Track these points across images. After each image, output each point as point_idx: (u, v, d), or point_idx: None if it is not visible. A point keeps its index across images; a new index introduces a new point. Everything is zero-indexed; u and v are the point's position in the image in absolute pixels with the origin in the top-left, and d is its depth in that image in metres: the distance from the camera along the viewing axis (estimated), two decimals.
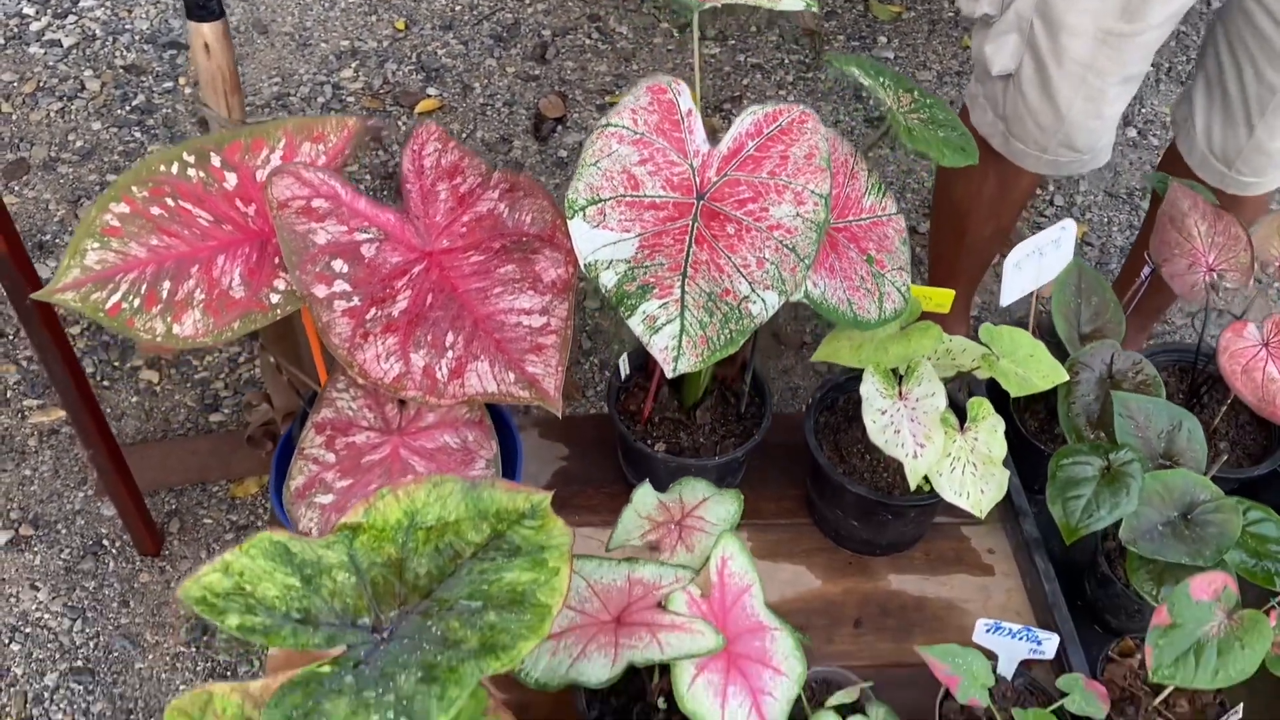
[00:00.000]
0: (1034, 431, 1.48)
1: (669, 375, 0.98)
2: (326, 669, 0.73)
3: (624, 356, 1.46)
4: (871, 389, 1.25)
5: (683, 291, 0.99)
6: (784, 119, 1.05)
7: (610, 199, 0.99)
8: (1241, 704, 1.22)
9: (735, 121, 1.05)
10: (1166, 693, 1.20)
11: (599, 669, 0.97)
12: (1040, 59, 1.52)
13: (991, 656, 1.27)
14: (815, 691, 1.23)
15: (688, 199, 1.03)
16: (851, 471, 1.41)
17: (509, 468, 1.37)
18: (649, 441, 1.41)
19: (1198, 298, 1.38)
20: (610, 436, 1.54)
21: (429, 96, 2.70)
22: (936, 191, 1.89)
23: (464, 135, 2.62)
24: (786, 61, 2.87)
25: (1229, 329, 1.33)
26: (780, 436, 1.48)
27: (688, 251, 1.00)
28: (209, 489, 1.97)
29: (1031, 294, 1.46)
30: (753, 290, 1.00)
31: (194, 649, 1.78)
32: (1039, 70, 1.53)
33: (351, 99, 2.69)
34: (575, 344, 2.22)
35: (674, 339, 0.98)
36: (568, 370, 1.07)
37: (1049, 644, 1.23)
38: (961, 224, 1.81)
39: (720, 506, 1.15)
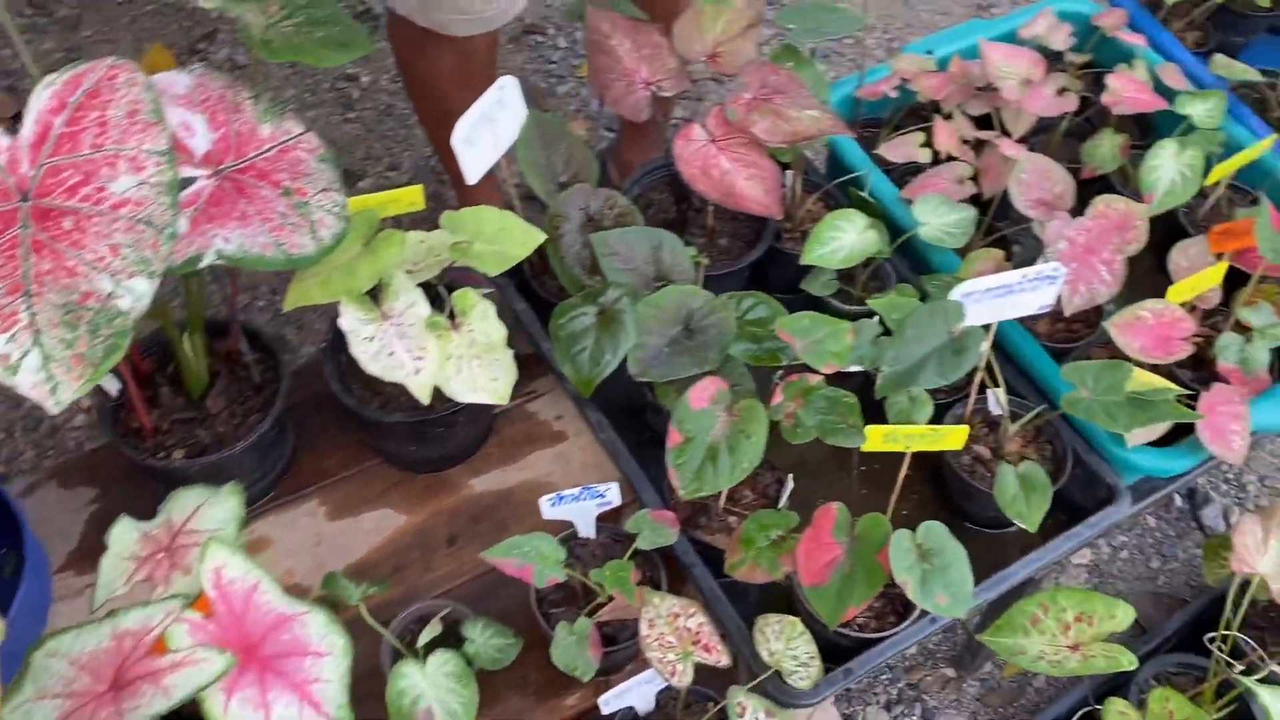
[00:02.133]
0: (555, 291, 1.47)
1: (52, 411, 0.86)
2: None
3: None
4: (352, 320, 1.18)
5: (31, 315, 0.85)
6: (89, 81, 0.92)
7: None
8: (791, 475, 1.30)
9: (31, 99, 0.90)
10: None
11: None
12: None
13: (570, 525, 1.28)
14: (413, 632, 1.19)
15: (8, 204, 0.88)
16: (388, 400, 1.34)
17: (11, 539, 1.22)
18: (162, 454, 1.28)
19: (642, 115, 1.39)
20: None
21: None
22: (406, 84, 1.80)
23: None
24: None
25: (678, 134, 1.35)
26: (320, 385, 1.39)
27: (26, 266, 0.86)
28: None
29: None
30: (116, 284, 0.88)
31: None
32: None
33: None
34: None
35: (40, 372, 0.85)
36: None
37: (611, 493, 1.24)
38: (441, 106, 1.74)
39: (216, 509, 1.05)
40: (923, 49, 1.72)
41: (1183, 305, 1.36)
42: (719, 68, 1.40)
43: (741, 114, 1.34)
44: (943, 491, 1.43)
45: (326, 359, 1.36)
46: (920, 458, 1.21)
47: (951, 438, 1.19)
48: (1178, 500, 1.95)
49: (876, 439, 1.18)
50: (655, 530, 1.20)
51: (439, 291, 1.27)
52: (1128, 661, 1.22)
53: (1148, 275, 1.52)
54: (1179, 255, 1.42)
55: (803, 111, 1.35)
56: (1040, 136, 1.73)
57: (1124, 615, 1.31)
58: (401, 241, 1.20)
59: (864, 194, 1.55)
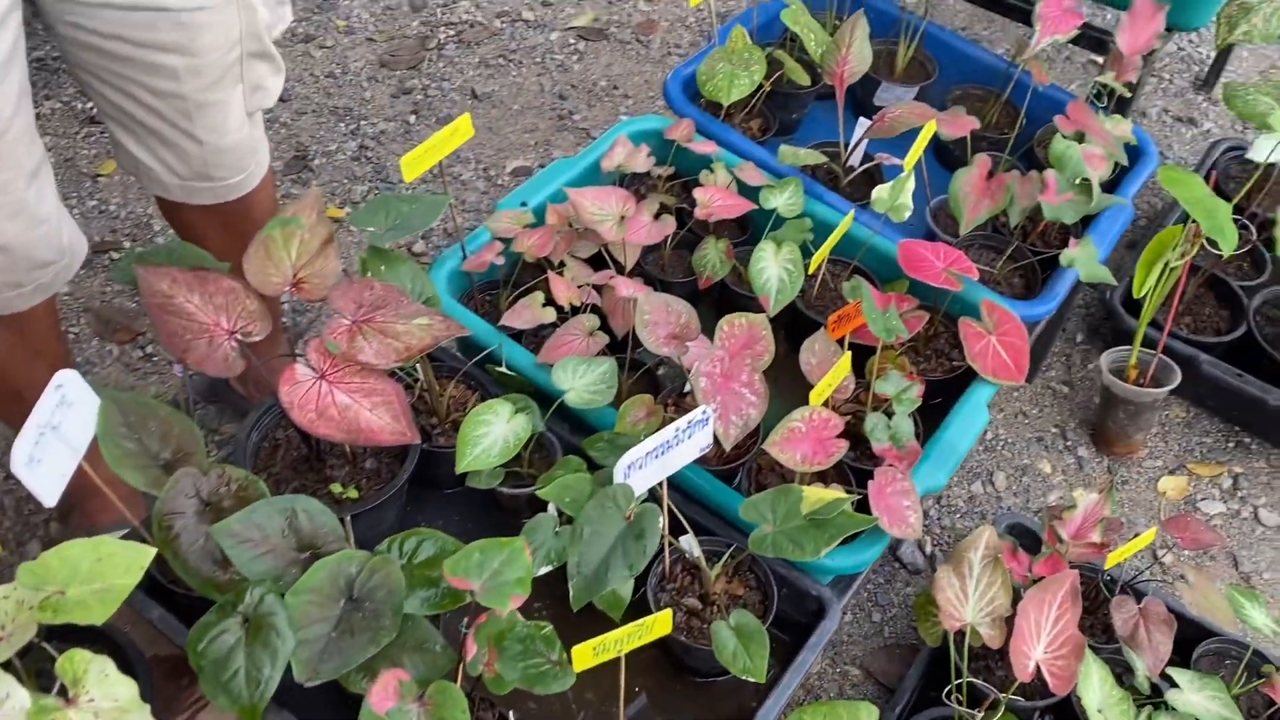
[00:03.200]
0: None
1: None
2: None
3: None
4: None
5: None
6: None
7: None
8: (511, 711, 1.19)
9: None
10: None
11: None
12: None
13: None
14: None
15: None
16: None
17: None
18: None
19: (236, 368, 1.24)
20: None
21: None
22: None
23: None
24: None
25: (282, 378, 1.22)
26: None
27: None
28: None
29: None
30: None
31: None
32: None
33: None
34: None
35: None
36: None
37: None
38: (8, 387, 1.50)
39: None
40: (516, 202, 1.69)
41: (825, 404, 1.40)
42: (306, 295, 1.28)
43: (344, 344, 1.22)
44: (669, 652, 1.38)
45: None
46: None
47: (659, 625, 1.13)
48: None
49: (586, 657, 1.10)
50: None
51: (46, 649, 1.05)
52: None
53: (787, 358, 1.54)
54: (807, 354, 1.47)
55: (411, 322, 1.25)
56: (653, 255, 1.75)
57: (867, 714, 1.31)
58: None
59: (502, 368, 1.49)
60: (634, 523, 1.17)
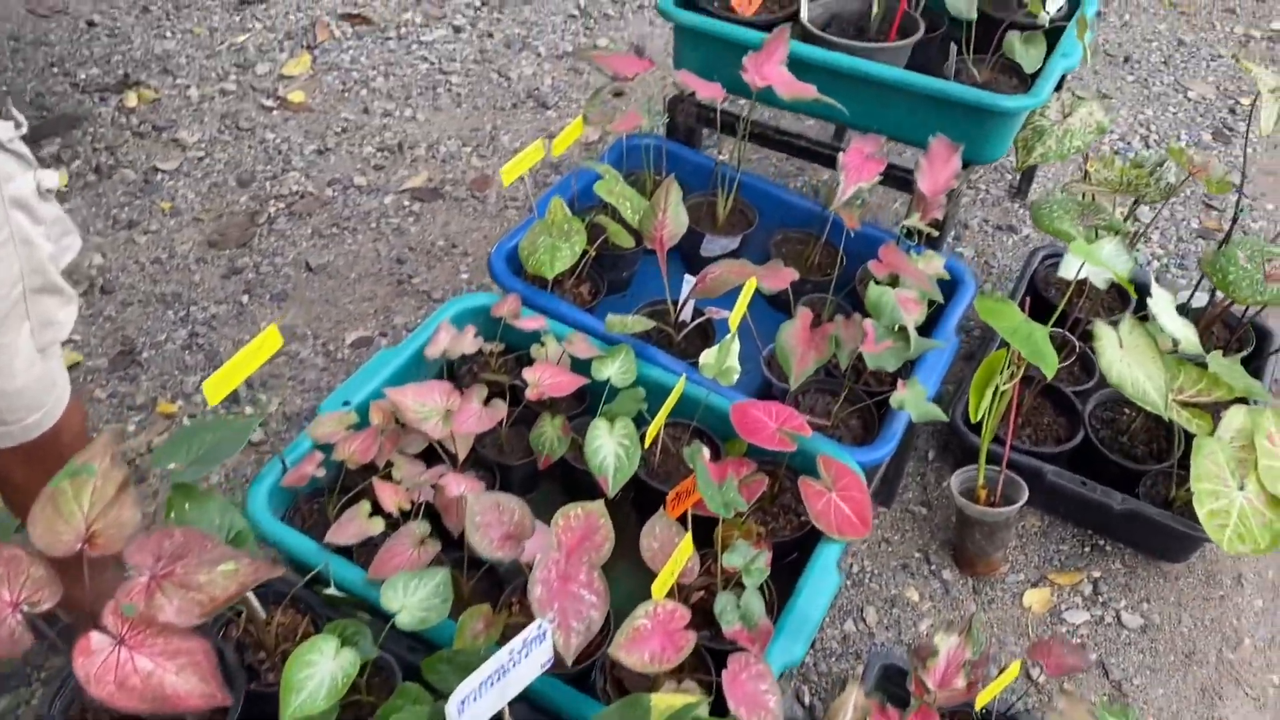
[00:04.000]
0: None
1: None
2: None
3: None
4: None
5: None
6: None
7: None
8: None
9: None
10: None
11: None
12: None
13: None
14: None
15: None
16: None
17: None
18: None
19: (23, 644, 1.13)
20: None
21: None
22: None
23: None
24: None
25: (76, 648, 1.11)
26: None
27: None
28: None
29: None
30: None
31: None
32: None
33: None
34: None
35: None
36: None
37: None
38: None
39: None
40: (338, 402, 1.63)
41: (671, 594, 1.36)
42: (100, 550, 1.19)
43: (142, 604, 1.13)
44: None
45: None
46: None
47: None
48: None
49: None
50: None
51: None
52: None
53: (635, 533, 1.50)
54: (648, 539, 1.43)
55: (216, 569, 1.17)
56: (490, 437, 1.70)
57: None
58: None
59: (331, 590, 1.41)
60: None
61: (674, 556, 1.35)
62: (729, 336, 1.62)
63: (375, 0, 3.78)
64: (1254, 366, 2.35)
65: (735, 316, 1.67)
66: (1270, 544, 1.86)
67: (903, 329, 1.66)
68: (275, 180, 3.01)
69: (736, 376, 1.60)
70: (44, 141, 3.10)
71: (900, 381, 1.69)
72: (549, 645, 1.22)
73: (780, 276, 1.76)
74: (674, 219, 1.81)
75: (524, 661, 1.20)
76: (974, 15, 2.11)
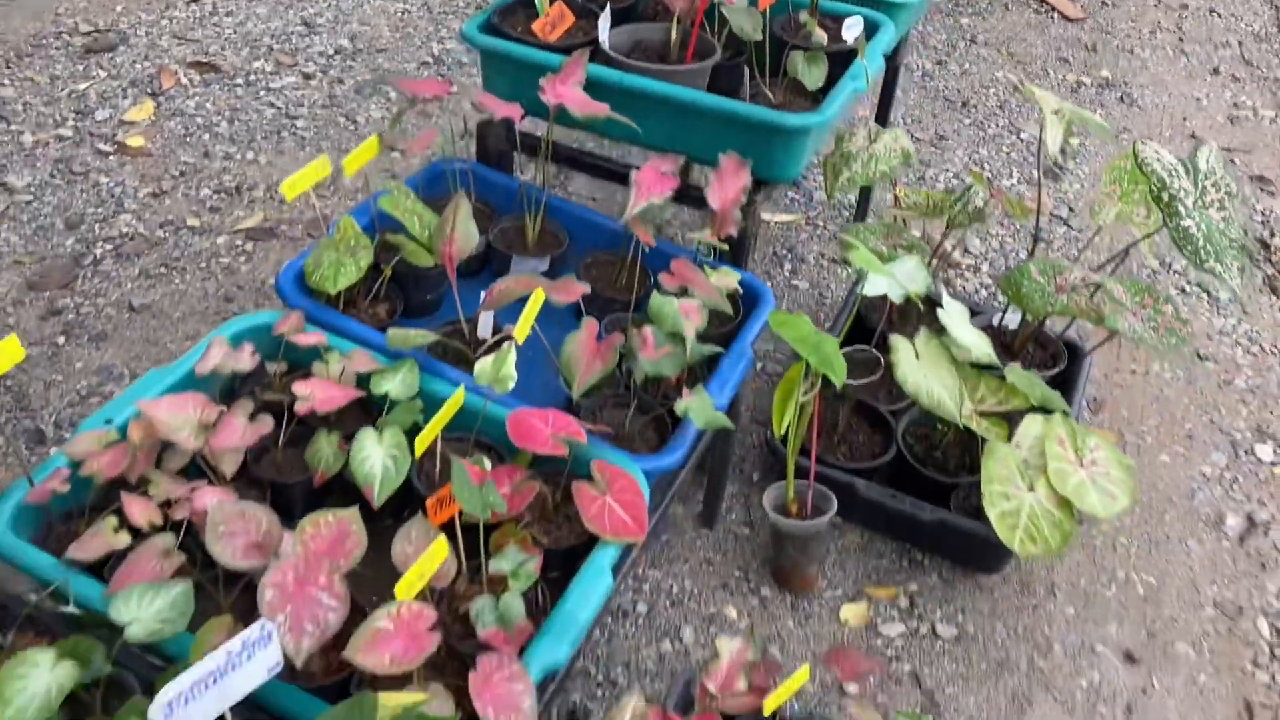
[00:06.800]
0: None
1: None
2: None
3: None
4: None
5: None
6: None
7: None
8: None
9: None
10: None
11: None
12: None
13: None
14: None
15: None
16: None
17: None
18: None
19: None
20: None
21: None
22: None
23: None
24: None
25: None
26: None
27: None
28: None
29: None
30: None
31: None
32: None
33: None
34: None
35: None
36: None
37: None
38: None
39: None
40: (100, 420, 1.57)
41: (421, 595, 1.32)
42: None
43: None
44: None
45: None
46: None
47: None
48: None
49: None
50: None
51: None
52: None
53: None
54: (402, 543, 1.39)
55: None
56: (266, 457, 1.66)
57: None
58: None
59: (70, 608, 1.34)
60: None
61: (424, 556, 1.31)
62: (507, 345, 1.61)
63: (227, 49, 3.75)
64: (1066, 381, 2.42)
65: (520, 328, 1.67)
66: (1061, 544, 1.90)
67: (679, 336, 1.67)
68: (105, 223, 2.94)
69: (512, 384, 1.59)
70: None
71: (686, 391, 1.69)
72: (276, 649, 1.18)
73: (571, 290, 1.76)
74: (463, 235, 1.80)
75: (246, 664, 1.15)
76: (759, 37, 2.18)
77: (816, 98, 2.24)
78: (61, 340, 2.58)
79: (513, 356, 1.60)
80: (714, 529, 2.27)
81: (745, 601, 2.14)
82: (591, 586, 1.46)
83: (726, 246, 1.91)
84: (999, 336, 2.43)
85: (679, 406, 1.67)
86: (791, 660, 2.05)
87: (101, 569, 1.43)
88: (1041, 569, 2.26)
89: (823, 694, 1.99)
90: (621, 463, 1.58)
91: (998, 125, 3.77)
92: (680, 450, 1.69)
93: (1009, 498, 1.91)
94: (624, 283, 2.08)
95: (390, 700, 1.16)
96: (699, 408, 1.67)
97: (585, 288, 1.79)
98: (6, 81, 3.50)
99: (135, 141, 3.26)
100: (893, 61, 2.86)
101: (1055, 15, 4.56)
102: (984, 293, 3.01)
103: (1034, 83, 4.08)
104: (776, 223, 3.19)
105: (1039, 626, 2.15)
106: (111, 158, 3.20)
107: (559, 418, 1.57)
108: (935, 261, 2.40)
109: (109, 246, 2.87)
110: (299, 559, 1.28)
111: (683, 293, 1.78)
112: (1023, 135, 3.73)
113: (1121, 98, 4.03)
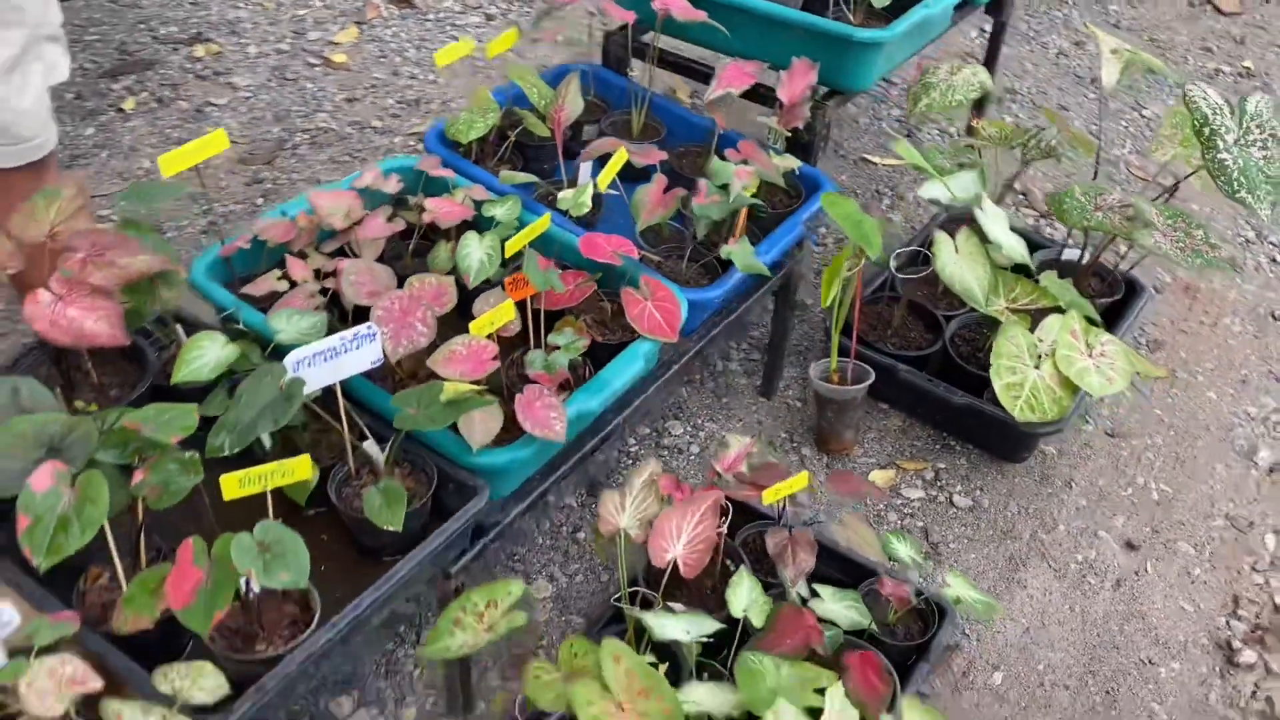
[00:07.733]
0: None
1: None
2: None
3: None
4: None
5: None
6: None
7: None
8: None
9: None
10: None
11: None
12: None
13: None
14: None
15: None
16: None
17: None
18: None
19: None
20: None
21: None
22: None
23: None
24: None
25: (27, 300, 1.54)
26: None
27: None
28: None
29: None
30: None
31: None
32: None
33: None
34: None
35: None
36: None
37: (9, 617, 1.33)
38: None
39: None
40: (279, 212, 2.05)
41: (489, 337, 1.73)
42: (55, 246, 1.62)
43: (77, 270, 1.55)
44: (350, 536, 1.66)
45: None
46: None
47: (299, 468, 1.43)
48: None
49: (233, 487, 1.39)
50: (53, 628, 1.30)
51: None
52: (522, 619, 1.50)
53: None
54: (481, 303, 1.80)
55: (134, 258, 1.59)
56: (398, 263, 2.10)
57: (515, 589, 1.59)
58: None
59: (238, 325, 1.81)
60: (286, 390, 1.48)
61: (495, 310, 1.72)
62: (588, 182, 2.01)
63: None
64: (1118, 311, 2.63)
65: (604, 178, 2.05)
66: (1057, 413, 2.15)
67: (724, 187, 2.02)
68: (305, 118, 3.51)
69: (586, 210, 1.98)
70: (121, 77, 3.66)
71: (731, 239, 2.04)
72: (378, 348, 1.60)
73: (650, 155, 2.14)
74: (571, 104, 2.21)
75: (354, 351, 1.58)
76: None
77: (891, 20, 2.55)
78: (260, 201, 3.15)
79: (590, 190, 1.99)
80: (771, 399, 2.60)
81: (786, 457, 2.46)
82: (626, 365, 1.84)
83: (789, 134, 2.24)
84: (1061, 269, 2.66)
85: (723, 250, 2.02)
86: (818, 505, 2.36)
87: (265, 309, 1.90)
88: (1064, 466, 2.49)
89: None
90: (668, 284, 1.94)
91: (1122, 101, 3.92)
92: (725, 286, 2.04)
93: (1015, 371, 2.17)
94: (705, 168, 2.44)
95: (452, 388, 1.57)
96: (740, 253, 2.01)
97: (661, 154, 2.16)
98: (241, 5, 4.15)
99: (338, 58, 3.84)
100: (998, 16, 3.10)
101: (1209, 8, 4.62)
102: (1059, 236, 3.20)
103: (1171, 67, 4.18)
104: (885, 165, 3.47)
105: (1049, 510, 2.39)
106: (317, 69, 3.78)
107: (620, 241, 1.94)
108: (1003, 193, 2.65)
109: (306, 136, 3.44)
110: (406, 296, 1.71)
111: (743, 164, 2.13)
112: (1145, 112, 3.86)
113: (1259, 87, 4.09)
